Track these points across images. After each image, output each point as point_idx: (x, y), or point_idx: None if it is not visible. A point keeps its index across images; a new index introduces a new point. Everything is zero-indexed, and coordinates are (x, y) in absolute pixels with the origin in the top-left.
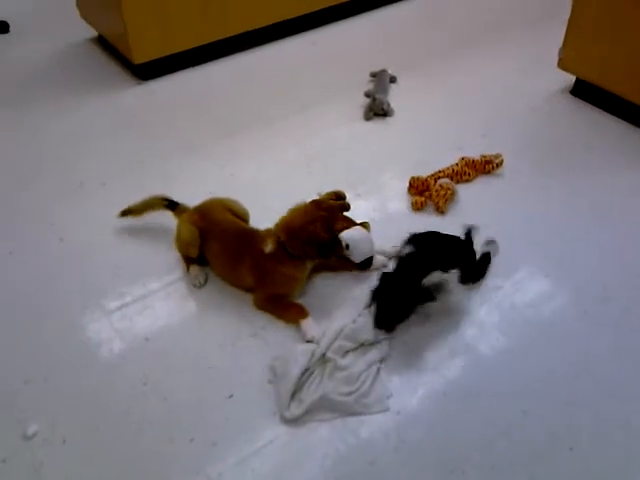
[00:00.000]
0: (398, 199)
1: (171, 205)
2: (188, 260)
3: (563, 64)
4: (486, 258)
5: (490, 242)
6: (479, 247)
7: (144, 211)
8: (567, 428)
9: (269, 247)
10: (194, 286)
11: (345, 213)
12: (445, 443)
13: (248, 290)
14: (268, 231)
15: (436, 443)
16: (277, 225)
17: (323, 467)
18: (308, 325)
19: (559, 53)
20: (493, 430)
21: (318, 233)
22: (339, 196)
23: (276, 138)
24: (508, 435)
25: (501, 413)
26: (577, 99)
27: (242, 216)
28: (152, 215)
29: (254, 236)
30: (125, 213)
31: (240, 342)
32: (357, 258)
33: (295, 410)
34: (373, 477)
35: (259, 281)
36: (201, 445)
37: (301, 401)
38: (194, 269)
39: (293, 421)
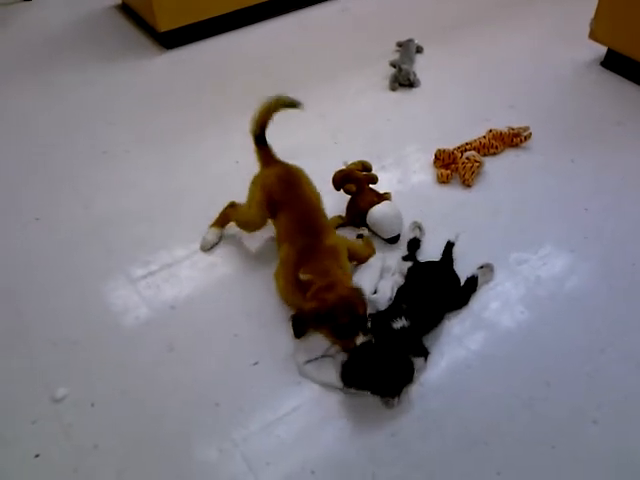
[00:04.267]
0: (423, 171)
1: (260, 139)
2: (221, 221)
3: (594, 35)
4: (471, 283)
5: (484, 267)
6: (473, 270)
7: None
8: (591, 401)
9: (304, 276)
10: (200, 247)
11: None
12: (468, 415)
13: None
14: (330, 247)
15: (459, 415)
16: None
17: (346, 436)
18: None
19: (590, 23)
20: (516, 402)
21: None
22: (365, 167)
23: None
24: (531, 407)
25: (524, 385)
26: (608, 71)
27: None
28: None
29: (313, 234)
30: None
31: (265, 311)
32: (386, 234)
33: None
34: (395, 448)
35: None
36: (226, 410)
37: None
38: (212, 231)
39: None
